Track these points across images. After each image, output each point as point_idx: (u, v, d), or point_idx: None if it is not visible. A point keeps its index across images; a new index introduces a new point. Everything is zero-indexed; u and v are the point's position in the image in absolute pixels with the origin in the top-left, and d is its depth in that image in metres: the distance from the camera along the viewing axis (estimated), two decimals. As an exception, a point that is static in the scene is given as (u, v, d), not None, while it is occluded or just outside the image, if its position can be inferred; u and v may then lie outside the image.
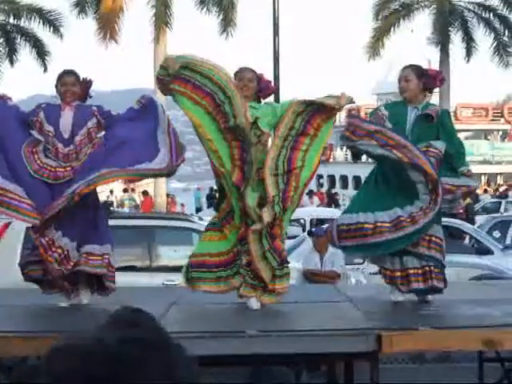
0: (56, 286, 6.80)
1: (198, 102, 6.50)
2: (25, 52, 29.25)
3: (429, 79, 7.08)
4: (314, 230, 11.46)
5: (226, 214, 6.71)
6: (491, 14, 30.53)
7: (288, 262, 6.87)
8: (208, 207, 30.91)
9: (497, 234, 16.88)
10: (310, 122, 6.58)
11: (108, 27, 26.15)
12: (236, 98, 6.45)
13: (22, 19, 28.88)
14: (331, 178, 45.59)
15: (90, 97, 7.09)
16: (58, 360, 1.20)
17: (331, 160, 35.69)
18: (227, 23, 26.06)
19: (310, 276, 10.12)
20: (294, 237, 12.59)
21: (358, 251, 7.53)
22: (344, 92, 6.68)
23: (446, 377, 9.07)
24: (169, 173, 6.92)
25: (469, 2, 31.12)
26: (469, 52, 30.59)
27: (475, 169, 9.14)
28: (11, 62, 29.27)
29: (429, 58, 32.46)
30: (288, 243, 7.59)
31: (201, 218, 12.62)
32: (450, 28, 30.49)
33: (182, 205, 33.06)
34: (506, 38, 30.29)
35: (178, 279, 7.74)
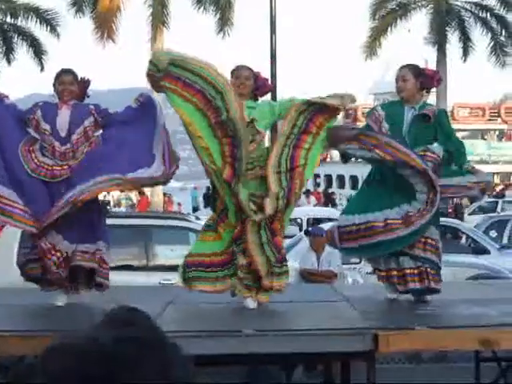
0: (55, 283, 6.80)
1: (189, 99, 6.48)
2: (22, 51, 29.27)
3: (426, 79, 7.08)
4: (310, 229, 11.47)
5: (220, 211, 6.71)
6: (488, 14, 30.55)
7: (287, 261, 6.87)
8: (205, 206, 30.87)
9: (493, 233, 16.90)
10: (313, 121, 6.58)
11: (105, 26, 26.14)
12: (228, 92, 6.44)
13: (19, 18, 28.88)
14: (328, 178, 45.58)
15: (88, 96, 7.09)
16: (54, 359, 1.20)
17: (328, 159, 35.68)
18: (224, 22, 26.07)
19: (306, 275, 10.12)
20: (291, 236, 12.59)
21: (358, 253, 7.51)
22: (347, 92, 6.70)
23: (443, 376, 9.07)
24: (165, 181, 6.94)
25: (466, 2, 31.14)
26: (466, 52, 30.61)
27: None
28: (8, 61, 29.27)
29: (426, 58, 32.46)
30: (285, 242, 7.57)
31: (197, 218, 12.61)
32: (446, 28, 30.51)
33: (179, 204, 33.07)
34: (502, 38, 30.31)
35: (175, 278, 7.73)
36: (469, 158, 7.45)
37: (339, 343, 5.73)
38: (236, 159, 6.39)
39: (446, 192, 6.95)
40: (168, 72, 6.48)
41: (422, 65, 7.96)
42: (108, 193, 31.65)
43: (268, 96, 7.72)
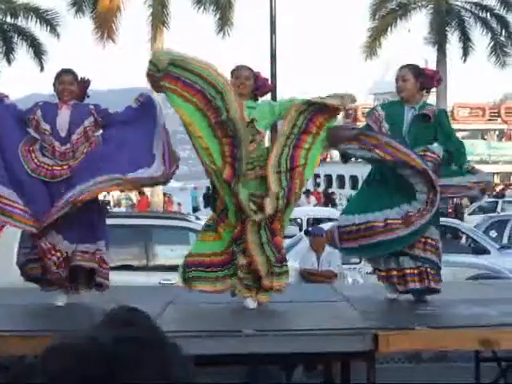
0: (54, 283, 6.80)
1: (189, 99, 6.48)
2: (22, 51, 29.27)
3: (426, 79, 7.08)
4: (310, 229, 11.47)
5: (220, 211, 6.71)
6: (488, 14, 30.55)
7: (287, 261, 6.87)
8: (205, 207, 30.89)
9: (493, 233, 16.90)
10: (313, 121, 6.58)
11: (105, 26, 26.13)
12: (228, 92, 6.44)
13: (19, 18, 28.88)
14: (328, 178, 45.58)
15: (88, 96, 7.09)
16: (54, 359, 1.19)
17: (328, 160, 35.67)
18: (224, 22, 26.07)
19: (306, 275, 10.12)
20: (291, 236, 12.59)
21: (358, 253, 7.49)
22: (347, 92, 6.70)
23: (443, 376, 9.07)
24: (165, 181, 6.94)
25: (466, 2, 31.13)
26: (466, 52, 30.61)
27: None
28: (8, 61, 29.26)
29: (426, 58, 32.46)
30: (285, 242, 7.57)
31: (197, 218, 12.61)
32: (446, 28, 30.51)
33: (179, 204, 33.06)
34: (502, 38, 30.31)
35: (175, 278, 7.73)
36: (469, 158, 7.45)
37: (339, 343, 5.73)
38: (236, 159, 6.39)
39: (446, 192, 6.95)
40: (168, 72, 6.47)
41: (422, 65, 7.97)
42: (108, 193, 31.66)
43: (268, 96, 7.72)
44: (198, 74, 6.48)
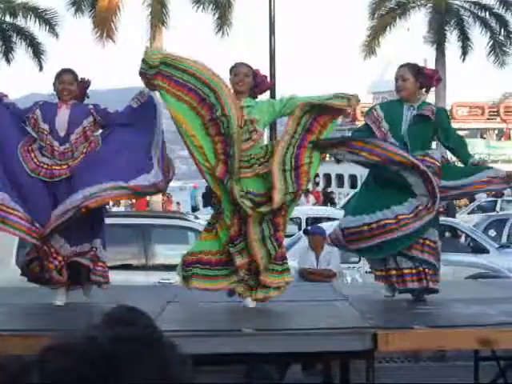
0: (54, 281, 6.80)
1: (182, 98, 6.49)
2: (21, 51, 29.23)
3: (425, 78, 7.07)
4: (309, 228, 11.46)
5: (217, 210, 6.73)
6: (487, 13, 30.51)
7: (287, 258, 6.87)
8: (204, 206, 30.84)
9: (492, 232, 16.89)
10: (317, 120, 6.60)
11: (105, 26, 26.11)
12: (221, 90, 6.46)
13: (18, 18, 28.85)
14: (327, 177, 45.54)
15: (88, 97, 7.11)
16: (52, 359, 1.19)
17: (327, 159, 35.62)
18: (223, 22, 26.05)
19: (305, 274, 10.12)
20: (290, 235, 12.58)
21: (373, 252, 7.26)
22: (352, 92, 6.71)
23: (442, 376, 9.08)
24: (162, 189, 7.00)
25: (465, 1, 31.10)
26: (465, 51, 30.57)
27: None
28: (7, 61, 29.23)
29: (425, 57, 32.45)
30: (284, 241, 7.57)
31: (197, 217, 12.61)
32: (445, 27, 30.48)
33: (178, 203, 33.01)
34: (501, 37, 30.27)
35: (174, 278, 7.73)
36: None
37: (338, 342, 5.74)
38: (229, 156, 6.40)
39: (469, 189, 6.99)
40: (160, 71, 6.50)
41: (420, 64, 7.94)
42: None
43: (267, 94, 7.72)
44: (191, 73, 6.50)
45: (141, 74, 6.60)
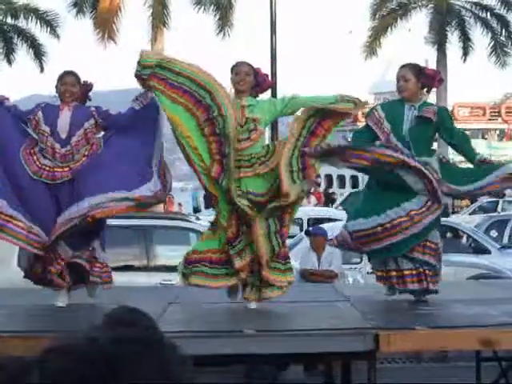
0: (55, 284, 6.80)
1: (177, 100, 6.50)
2: (22, 52, 29.25)
3: (427, 79, 7.06)
4: (311, 229, 11.46)
5: (215, 211, 6.78)
6: (488, 14, 30.52)
7: (289, 258, 6.88)
8: (206, 207, 30.85)
9: (494, 233, 16.88)
10: (322, 124, 6.61)
11: (106, 27, 26.12)
12: (217, 91, 6.48)
13: (20, 19, 28.86)
14: (328, 178, 45.50)
15: (90, 100, 7.11)
16: (52, 359, 1.19)
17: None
18: (224, 23, 26.05)
19: (307, 275, 10.12)
20: (292, 236, 12.57)
21: (388, 252, 7.18)
22: (356, 96, 6.72)
23: (444, 376, 9.07)
24: (162, 199, 7.02)
25: (466, 2, 31.11)
26: (466, 51, 30.59)
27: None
28: (9, 62, 29.24)
29: (426, 58, 32.45)
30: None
31: (198, 218, 12.61)
32: (447, 27, 30.49)
33: (180, 204, 32.99)
34: (503, 38, 30.29)
35: (176, 279, 7.73)
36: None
37: (340, 343, 5.73)
38: (224, 156, 6.41)
39: (490, 188, 7.01)
40: (155, 73, 6.50)
41: (422, 64, 7.94)
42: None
43: (268, 93, 7.72)
44: (185, 75, 6.51)
45: (136, 76, 6.60)
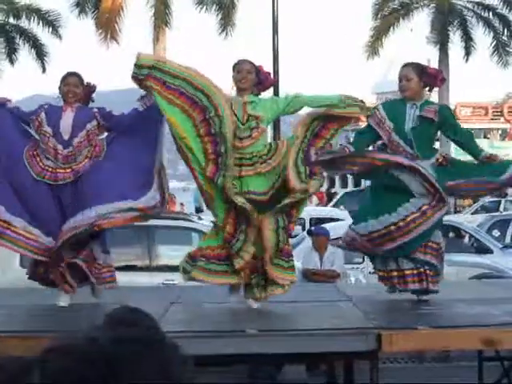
0: (57, 285, 6.81)
1: (173, 101, 6.50)
2: (24, 52, 29.27)
3: (429, 78, 7.05)
4: (313, 229, 11.45)
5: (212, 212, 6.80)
6: (490, 13, 30.49)
7: (292, 256, 6.87)
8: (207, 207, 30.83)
9: (496, 233, 16.86)
10: (326, 127, 6.62)
11: (108, 27, 26.13)
12: (214, 93, 6.49)
13: (22, 19, 28.87)
14: (331, 178, 45.54)
15: (93, 101, 7.12)
16: (52, 360, 1.19)
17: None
18: (226, 23, 26.05)
19: (309, 275, 10.11)
20: (294, 236, 12.57)
21: (404, 250, 7.13)
22: (362, 100, 6.73)
23: (446, 376, 9.06)
24: (160, 212, 7.01)
25: (468, 1, 31.08)
26: (468, 51, 30.56)
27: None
28: (11, 62, 29.26)
29: (428, 57, 32.44)
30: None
31: (200, 218, 12.61)
32: (449, 27, 30.46)
33: (182, 204, 33.00)
34: (505, 38, 30.25)
35: (178, 279, 7.73)
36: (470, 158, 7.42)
37: (342, 343, 5.73)
38: (219, 155, 6.41)
39: (502, 188, 7.02)
40: (151, 74, 6.50)
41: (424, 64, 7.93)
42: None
43: (270, 91, 7.72)
44: (182, 78, 6.51)
45: (133, 77, 6.60)
